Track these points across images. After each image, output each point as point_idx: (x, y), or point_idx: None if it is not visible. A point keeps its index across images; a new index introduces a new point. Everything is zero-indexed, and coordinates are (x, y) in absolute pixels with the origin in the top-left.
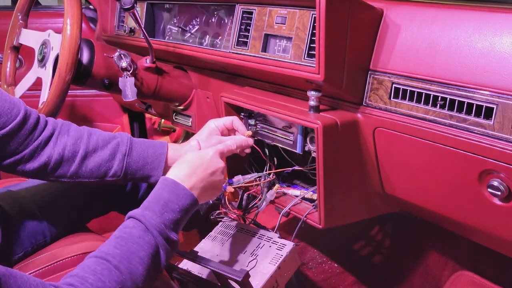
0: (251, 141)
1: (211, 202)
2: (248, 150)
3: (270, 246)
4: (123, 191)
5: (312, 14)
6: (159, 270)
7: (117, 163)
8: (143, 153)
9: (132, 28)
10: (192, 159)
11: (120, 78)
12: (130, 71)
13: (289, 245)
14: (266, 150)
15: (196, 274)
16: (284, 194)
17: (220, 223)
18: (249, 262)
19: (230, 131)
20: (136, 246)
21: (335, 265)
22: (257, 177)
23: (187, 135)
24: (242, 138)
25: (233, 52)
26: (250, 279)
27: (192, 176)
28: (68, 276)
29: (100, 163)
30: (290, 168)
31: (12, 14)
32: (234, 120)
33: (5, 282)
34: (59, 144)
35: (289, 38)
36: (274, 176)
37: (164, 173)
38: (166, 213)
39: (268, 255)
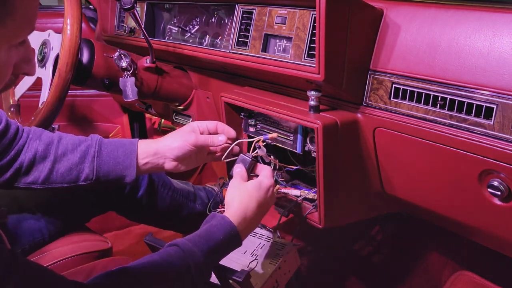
0: (219, 141)
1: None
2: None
3: (270, 246)
4: (122, 190)
5: (312, 14)
6: None
7: (88, 165)
8: (113, 153)
9: (132, 28)
10: (258, 203)
11: (120, 78)
12: (130, 71)
13: (289, 245)
14: (272, 156)
15: None
16: (285, 194)
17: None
18: (250, 262)
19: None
20: (171, 276)
21: (335, 265)
22: None
23: None
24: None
25: (233, 52)
26: (250, 280)
27: (250, 223)
28: (94, 280)
29: (70, 167)
30: (294, 167)
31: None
32: (218, 125)
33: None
34: (31, 149)
35: (289, 38)
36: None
37: (139, 170)
38: (212, 253)
39: (268, 255)
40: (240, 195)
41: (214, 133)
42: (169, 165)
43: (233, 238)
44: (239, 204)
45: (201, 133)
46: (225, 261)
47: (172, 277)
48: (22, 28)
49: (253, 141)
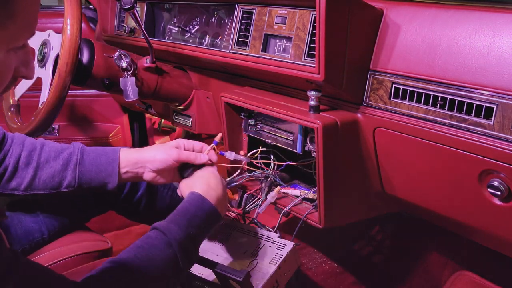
0: (201, 158)
1: None
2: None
3: (270, 246)
4: (121, 190)
5: (312, 14)
6: (178, 281)
7: (70, 173)
8: (96, 161)
9: (132, 28)
10: (211, 176)
11: (121, 78)
12: (130, 71)
13: (289, 245)
14: (271, 157)
15: (196, 274)
16: (285, 194)
17: (220, 223)
18: (250, 262)
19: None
20: (157, 258)
21: (335, 265)
22: (257, 176)
23: (187, 135)
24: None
25: (233, 52)
26: (250, 279)
27: (215, 191)
28: (86, 277)
29: (53, 174)
30: (284, 163)
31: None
32: (204, 146)
33: (31, 271)
34: (14, 154)
35: (289, 38)
36: (273, 176)
37: (120, 178)
38: (191, 227)
39: (268, 255)
40: (197, 177)
41: (198, 151)
42: (148, 175)
43: (206, 209)
44: (200, 179)
45: (185, 150)
46: (224, 261)
47: (156, 257)
48: (22, 31)
49: (209, 149)
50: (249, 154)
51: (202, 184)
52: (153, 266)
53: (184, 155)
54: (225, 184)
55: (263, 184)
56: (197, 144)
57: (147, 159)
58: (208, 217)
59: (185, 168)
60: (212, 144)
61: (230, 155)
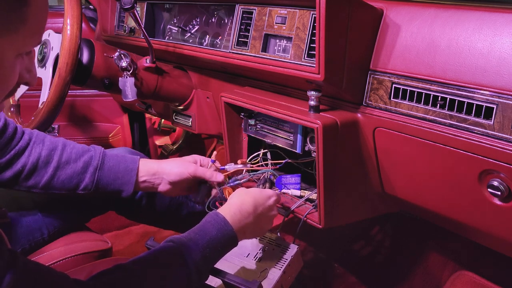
0: (217, 177)
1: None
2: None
3: (273, 249)
4: None
5: (312, 14)
6: None
7: (89, 176)
8: (115, 168)
9: (132, 28)
10: (254, 201)
11: (120, 78)
12: (130, 71)
13: (293, 248)
14: (268, 156)
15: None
16: (285, 194)
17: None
18: (256, 268)
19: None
20: (171, 275)
21: (335, 265)
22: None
23: (187, 135)
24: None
25: (233, 52)
26: None
27: (245, 219)
28: (95, 279)
29: (72, 175)
30: (283, 161)
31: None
32: (209, 162)
33: (36, 272)
34: (34, 153)
35: (289, 38)
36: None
37: (136, 187)
38: (208, 249)
39: (272, 259)
40: (240, 194)
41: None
42: (164, 187)
43: (227, 233)
44: (236, 199)
45: (201, 166)
46: (229, 266)
47: (170, 273)
48: (32, 37)
49: (209, 166)
50: (248, 160)
51: (235, 204)
52: (165, 282)
53: (200, 171)
54: (269, 210)
55: (260, 185)
56: (204, 159)
57: (165, 171)
58: (226, 241)
59: (201, 185)
60: (210, 163)
61: (230, 167)
